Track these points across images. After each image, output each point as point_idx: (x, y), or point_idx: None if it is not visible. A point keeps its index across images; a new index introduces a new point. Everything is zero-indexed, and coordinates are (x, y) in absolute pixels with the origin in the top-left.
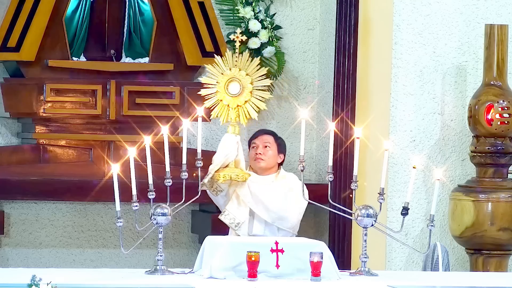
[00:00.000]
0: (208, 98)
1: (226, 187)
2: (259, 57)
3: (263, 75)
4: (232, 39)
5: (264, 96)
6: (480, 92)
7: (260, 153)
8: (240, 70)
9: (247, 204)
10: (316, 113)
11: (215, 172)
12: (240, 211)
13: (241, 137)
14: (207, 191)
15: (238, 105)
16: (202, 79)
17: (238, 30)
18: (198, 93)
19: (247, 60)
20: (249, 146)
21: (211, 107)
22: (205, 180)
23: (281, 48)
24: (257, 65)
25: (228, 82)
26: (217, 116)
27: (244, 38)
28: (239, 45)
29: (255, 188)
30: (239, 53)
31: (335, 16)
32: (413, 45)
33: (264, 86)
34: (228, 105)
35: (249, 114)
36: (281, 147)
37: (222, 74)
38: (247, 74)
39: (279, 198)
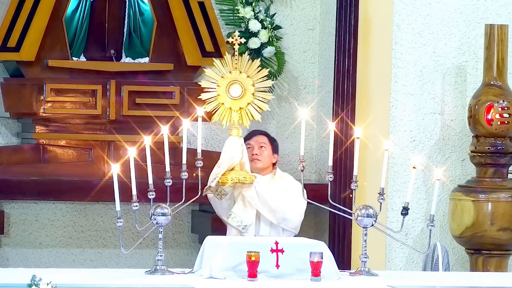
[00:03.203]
0: (209, 102)
1: (231, 190)
2: (259, 58)
3: (264, 76)
4: (230, 42)
5: (266, 97)
6: (480, 92)
7: (256, 154)
8: (240, 72)
9: (253, 206)
10: (316, 113)
11: (222, 175)
12: (247, 214)
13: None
14: (208, 196)
15: (240, 108)
16: (202, 83)
17: (237, 33)
18: (199, 97)
19: (247, 62)
20: None
21: (212, 110)
22: (213, 184)
23: (281, 48)
24: (257, 67)
25: (229, 85)
26: (219, 119)
27: (242, 40)
28: (238, 47)
29: (261, 189)
30: (238, 55)
31: (335, 16)
32: (413, 45)
33: (266, 87)
34: (230, 108)
35: (252, 116)
36: (276, 147)
37: (222, 77)
38: (248, 76)
39: (282, 199)
